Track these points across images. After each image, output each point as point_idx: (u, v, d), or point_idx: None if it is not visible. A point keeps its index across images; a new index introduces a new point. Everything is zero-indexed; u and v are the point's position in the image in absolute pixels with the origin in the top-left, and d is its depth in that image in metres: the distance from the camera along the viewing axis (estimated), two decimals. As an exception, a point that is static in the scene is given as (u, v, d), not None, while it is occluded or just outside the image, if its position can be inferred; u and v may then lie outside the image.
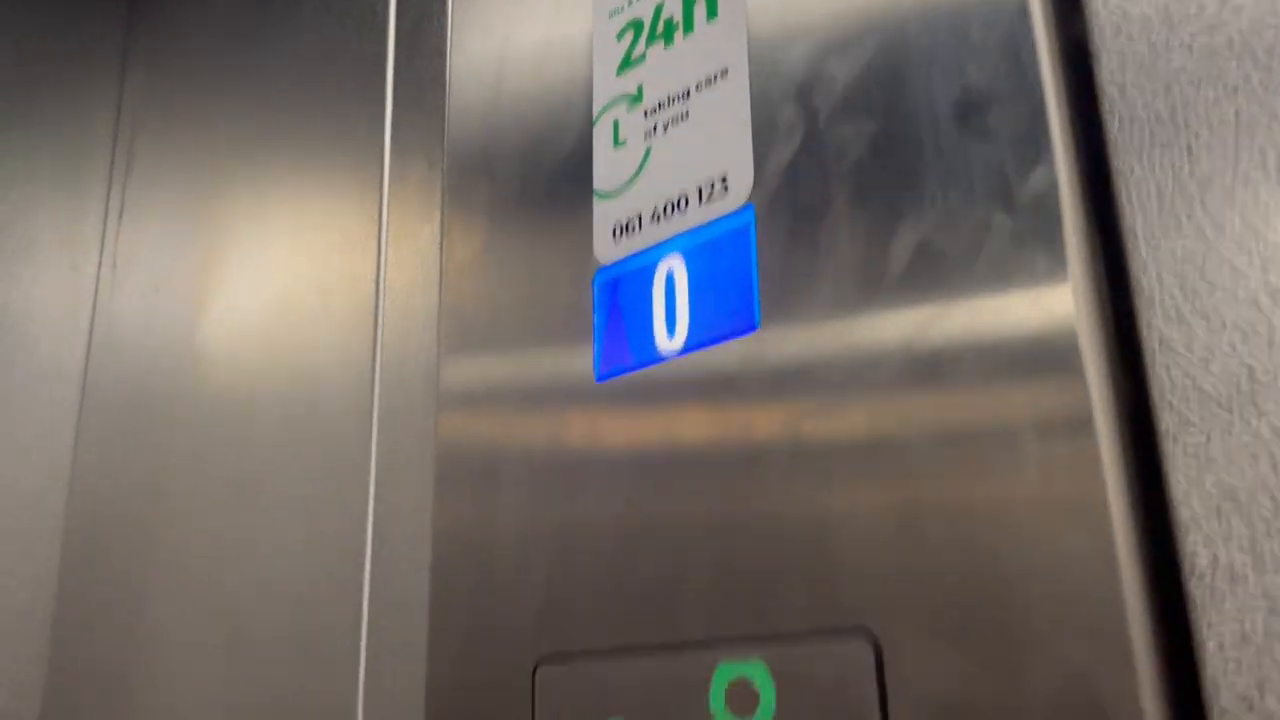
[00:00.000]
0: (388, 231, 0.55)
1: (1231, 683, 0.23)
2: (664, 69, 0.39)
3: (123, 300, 0.79)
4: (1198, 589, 0.24)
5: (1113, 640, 0.24)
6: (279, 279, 0.63)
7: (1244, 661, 0.23)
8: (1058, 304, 0.27)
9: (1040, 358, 0.27)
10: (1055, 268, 0.27)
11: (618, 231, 0.39)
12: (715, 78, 0.37)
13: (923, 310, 0.30)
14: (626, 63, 0.41)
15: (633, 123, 0.40)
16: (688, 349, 0.36)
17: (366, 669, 0.47)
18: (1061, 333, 0.27)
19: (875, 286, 0.31)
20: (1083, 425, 0.26)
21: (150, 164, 0.81)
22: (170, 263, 0.75)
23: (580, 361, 0.39)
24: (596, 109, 0.41)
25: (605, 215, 0.40)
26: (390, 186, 0.56)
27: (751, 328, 0.34)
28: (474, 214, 0.46)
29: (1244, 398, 0.24)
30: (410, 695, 0.45)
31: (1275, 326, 0.24)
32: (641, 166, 0.39)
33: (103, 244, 0.82)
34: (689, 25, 0.39)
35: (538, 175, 0.43)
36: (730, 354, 0.34)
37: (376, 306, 0.54)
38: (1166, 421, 0.25)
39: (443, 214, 0.47)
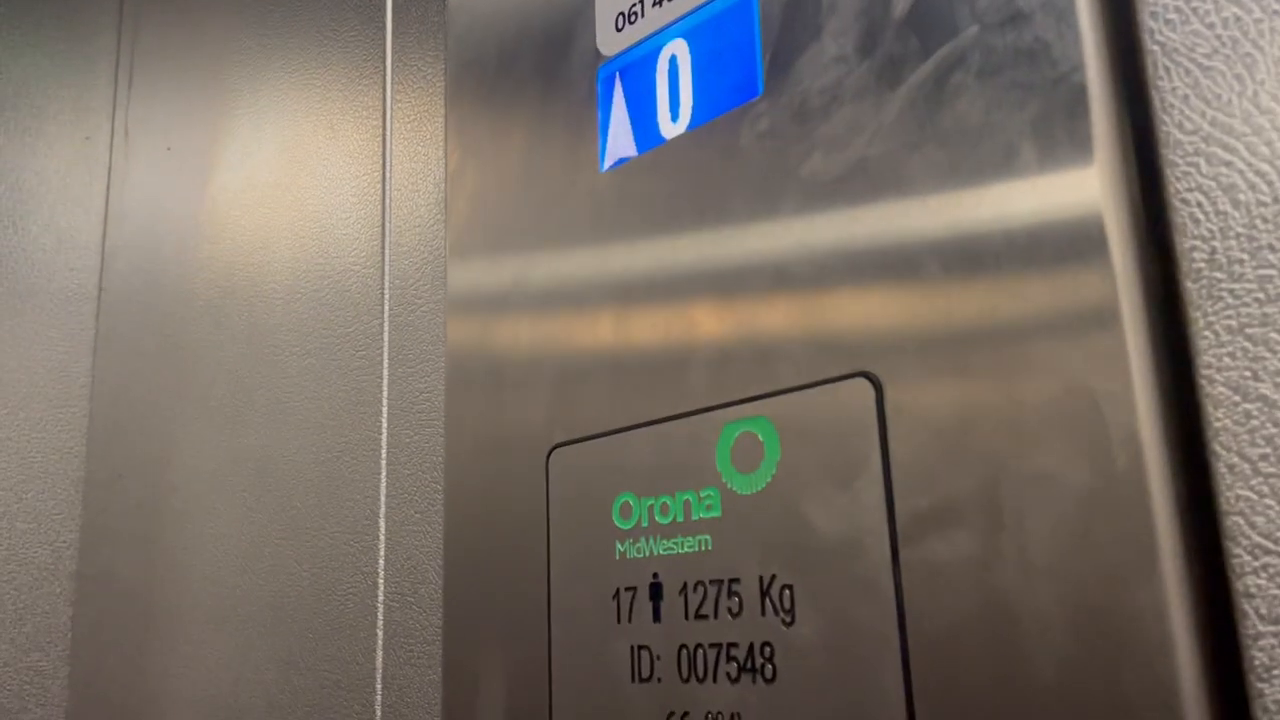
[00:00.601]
0: (391, 71, 0.55)
1: (1226, 374, 0.23)
2: None
3: (136, 166, 0.79)
4: (1195, 285, 0.24)
5: (1110, 347, 0.24)
6: (287, 125, 0.63)
7: (1238, 351, 0.23)
8: (1057, 23, 0.26)
9: (1039, 56, 0.27)
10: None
11: (620, 21, 0.39)
12: None
13: (928, 50, 0.29)
14: None
15: (633, -89, 0.39)
16: (691, 126, 0.36)
17: (387, 484, 0.48)
18: (1063, 31, 0.26)
19: (879, 34, 0.30)
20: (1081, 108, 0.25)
21: (157, 30, 0.80)
22: (181, 124, 0.75)
23: (586, 159, 0.39)
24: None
25: (608, 6, 0.40)
26: (394, 26, 0.55)
27: (754, 94, 0.34)
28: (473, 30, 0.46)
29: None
30: (429, 505, 0.46)
31: None
32: (642, -50, 0.38)
33: (114, 112, 0.82)
34: None
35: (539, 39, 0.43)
36: (732, 123, 0.34)
37: (384, 137, 0.54)
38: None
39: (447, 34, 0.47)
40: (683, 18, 0.37)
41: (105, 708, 0.66)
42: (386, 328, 0.50)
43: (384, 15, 0.55)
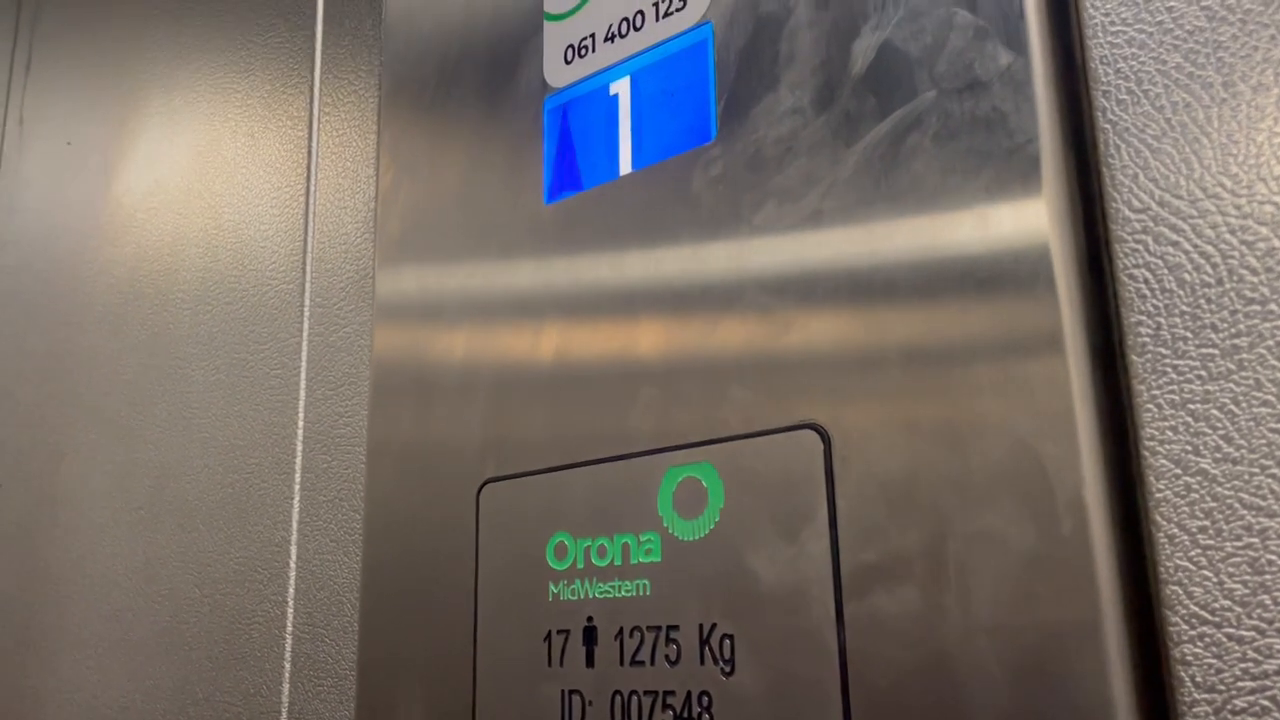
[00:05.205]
0: (320, 83, 0.53)
1: (1169, 448, 0.24)
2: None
3: (31, 159, 0.75)
4: (1140, 359, 0.25)
5: (1058, 414, 0.25)
6: (202, 128, 0.61)
7: (1180, 425, 0.24)
8: (1014, 94, 0.27)
9: (995, 125, 0.27)
10: (1017, 62, 0.27)
11: (569, 53, 0.39)
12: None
13: (885, 110, 0.30)
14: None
15: (587, -57, 0.39)
16: (640, 166, 0.35)
17: (300, 510, 0.47)
18: (1020, 103, 0.27)
19: (836, 90, 0.31)
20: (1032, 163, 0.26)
21: (61, 16, 0.77)
22: (84, 118, 0.71)
23: (530, 189, 0.39)
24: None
25: (557, 37, 0.39)
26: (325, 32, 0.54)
27: (707, 139, 0.34)
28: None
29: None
30: (347, 534, 0.45)
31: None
32: (596, -16, 0.38)
33: (8, 99, 0.77)
34: None
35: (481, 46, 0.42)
36: (684, 166, 0.34)
37: (310, 149, 0.52)
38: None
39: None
40: (635, 56, 0.37)
41: (-25, 735, 0.62)
42: (305, 346, 0.48)
43: (314, 25, 0.54)
